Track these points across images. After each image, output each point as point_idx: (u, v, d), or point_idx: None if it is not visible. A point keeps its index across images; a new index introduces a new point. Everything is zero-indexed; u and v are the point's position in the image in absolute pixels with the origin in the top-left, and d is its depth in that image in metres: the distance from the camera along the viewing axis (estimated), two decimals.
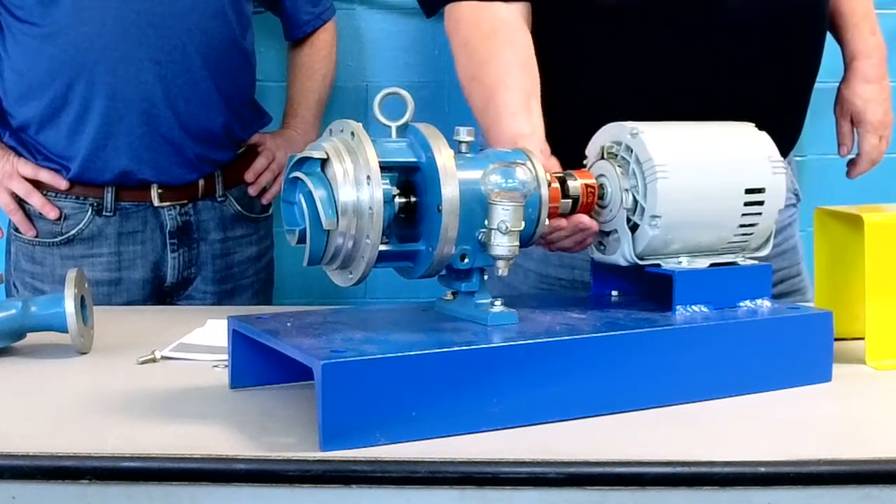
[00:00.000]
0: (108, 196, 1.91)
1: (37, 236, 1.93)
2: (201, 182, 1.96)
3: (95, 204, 1.91)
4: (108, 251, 1.92)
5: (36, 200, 1.91)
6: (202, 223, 1.98)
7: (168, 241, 1.94)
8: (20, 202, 1.93)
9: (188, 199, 1.96)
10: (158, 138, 1.89)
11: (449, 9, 1.53)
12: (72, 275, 1.41)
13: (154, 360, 1.36)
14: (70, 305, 1.37)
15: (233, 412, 1.15)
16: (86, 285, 1.45)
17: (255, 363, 1.22)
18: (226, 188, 2.00)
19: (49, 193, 1.92)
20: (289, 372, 1.21)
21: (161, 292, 1.97)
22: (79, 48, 1.84)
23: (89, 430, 1.10)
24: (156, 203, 1.92)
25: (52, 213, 1.91)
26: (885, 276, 1.33)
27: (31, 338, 1.43)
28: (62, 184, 1.91)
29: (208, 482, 1.01)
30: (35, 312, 1.40)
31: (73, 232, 1.92)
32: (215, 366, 1.32)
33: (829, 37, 2.34)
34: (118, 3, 1.83)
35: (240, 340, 1.22)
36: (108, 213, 1.92)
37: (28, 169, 1.91)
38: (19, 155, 1.93)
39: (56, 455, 1.02)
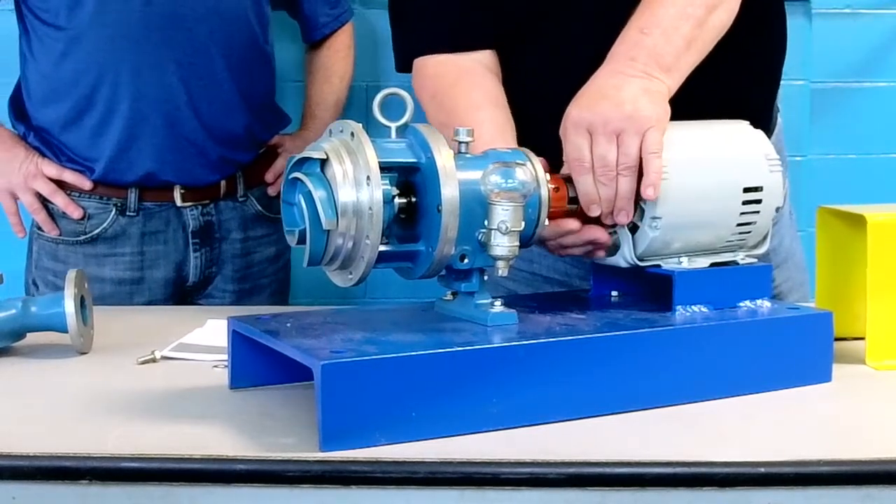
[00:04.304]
0: (132, 196, 1.92)
1: (60, 235, 1.94)
2: (223, 182, 1.98)
3: (119, 204, 1.93)
4: (131, 250, 1.94)
5: (60, 200, 1.92)
6: (224, 223, 1.99)
7: (191, 241, 1.96)
8: (44, 202, 1.94)
9: (210, 200, 1.97)
10: (182, 140, 1.91)
11: (416, 66, 1.56)
12: (71, 275, 1.41)
13: (154, 360, 1.36)
14: (70, 305, 1.37)
15: (233, 412, 1.15)
16: (86, 285, 1.45)
17: (255, 363, 1.22)
18: (246, 188, 2.01)
19: (73, 193, 1.93)
20: (288, 372, 1.21)
21: (182, 291, 1.99)
22: (103, 51, 1.85)
23: (89, 430, 1.10)
24: (178, 203, 1.94)
25: (75, 213, 1.92)
26: (886, 275, 1.32)
27: (31, 338, 1.43)
28: (86, 184, 1.92)
29: (208, 482, 1.01)
30: (35, 312, 1.40)
31: (96, 231, 1.93)
32: (215, 366, 1.32)
33: (823, 37, 2.35)
34: (142, 6, 1.84)
35: (239, 341, 1.22)
36: (131, 213, 1.93)
37: (52, 169, 1.92)
38: (43, 156, 1.94)
39: (56, 455, 1.02)
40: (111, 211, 1.93)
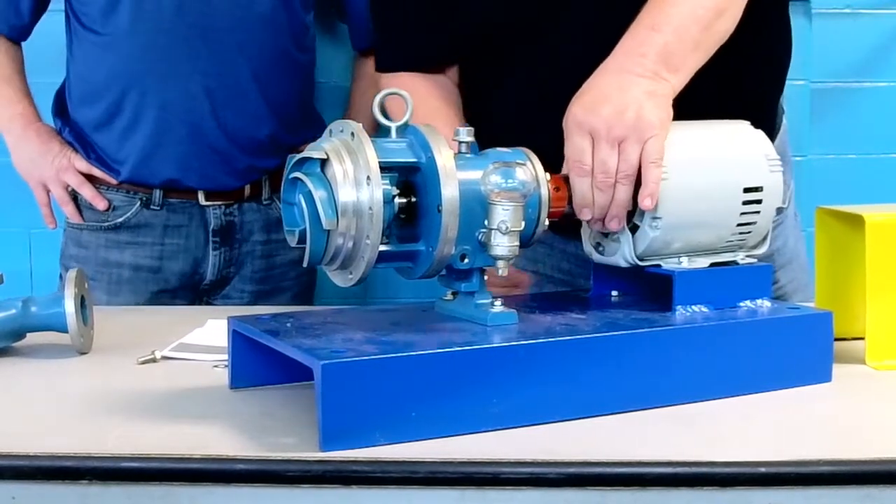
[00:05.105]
0: (157, 193, 1.95)
1: (84, 222, 1.98)
2: (247, 186, 1.99)
3: (144, 198, 1.96)
4: (153, 241, 1.96)
5: (87, 192, 1.96)
6: (246, 224, 2.00)
7: (211, 239, 1.97)
8: (72, 194, 1.98)
9: (234, 201, 1.99)
10: (205, 149, 1.93)
11: (385, 79, 1.62)
12: (72, 275, 1.41)
13: (154, 360, 1.36)
14: (70, 305, 1.37)
15: (233, 412, 1.15)
16: (86, 285, 1.45)
17: (255, 363, 1.22)
18: (272, 192, 2.01)
19: (101, 187, 1.97)
20: (289, 372, 1.21)
21: (199, 289, 2.00)
22: (134, 58, 1.89)
23: (89, 430, 1.10)
24: (202, 202, 1.96)
25: (101, 205, 1.96)
26: (885, 275, 1.32)
27: (31, 338, 1.43)
28: (113, 181, 1.95)
29: (208, 482, 1.01)
30: (35, 312, 1.40)
31: (120, 220, 1.96)
32: (215, 366, 1.32)
33: (823, 37, 2.35)
34: (172, 16, 1.86)
35: (240, 341, 1.22)
36: (155, 207, 1.96)
37: (83, 164, 1.97)
38: (76, 151, 1.98)
39: (56, 455, 1.02)
40: (136, 203, 1.96)
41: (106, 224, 1.96)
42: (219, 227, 1.98)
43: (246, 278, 2.01)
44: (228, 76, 1.91)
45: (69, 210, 1.99)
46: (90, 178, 1.96)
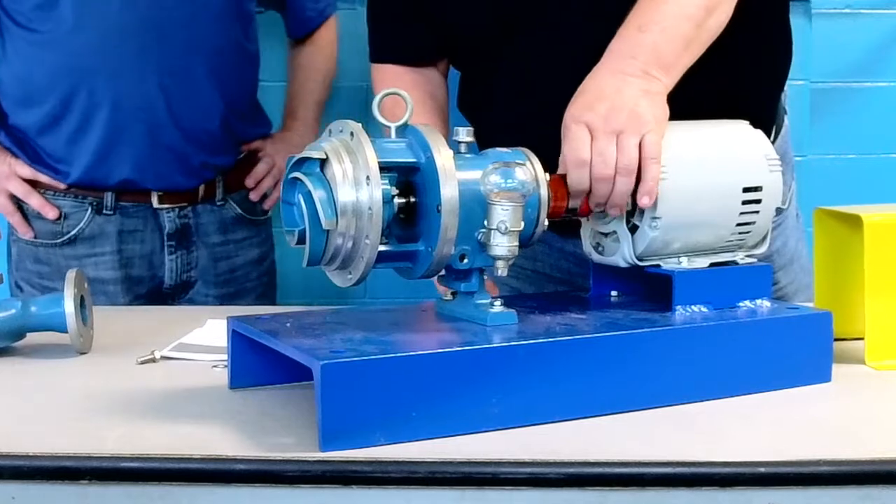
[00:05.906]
0: (109, 196, 1.90)
1: (35, 237, 1.93)
2: (202, 187, 1.96)
3: (95, 203, 1.91)
4: (110, 249, 1.92)
5: (35, 201, 1.90)
6: (201, 226, 1.97)
7: (166, 243, 1.94)
8: (17, 203, 1.92)
9: (188, 203, 1.95)
10: (162, 148, 1.88)
11: (374, 69, 1.66)
12: (71, 275, 1.41)
13: (154, 360, 1.36)
14: (70, 305, 1.37)
15: (232, 412, 1.15)
16: (86, 285, 1.45)
17: (255, 363, 1.22)
18: (226, 193, 1.99)
19: (47, 193, 1.91)
20: (288, 372, 1.21)
21: (161, 293, 1.97)
22: (79, 56, 1.82)
23: (89, 430, 1.10)
24: (155, 205, 1.92)
25: (51, 214, 1.90)
26: (884, 275, 1.33)
27: (31, 338, 1.43)
28: (61, 185, 1.90)
29: (208, 482, 1.01)
30: (35, 312, 1.40)
31: (74, 231, 1.91)
32: (215, 366, 1.32)
33: (823, 37, 2.35)
34: (119, 10, 1.81)
35: (239, 341, 1.22)
36: (108, 212, 1.91)
37: (27, 170, 1.90)
38: (16, 157, 1.91)
39: (56, 455, 1.02)
40: (87, 210, 1.91)
41: (61, 240, 1.91)
42: (174, 231, 1.94)
43: (210, 283, 1.99)
44: (182, 72, 1.86)
45: (16, 220, 1.92)
46: (35, 184, 1.90)
